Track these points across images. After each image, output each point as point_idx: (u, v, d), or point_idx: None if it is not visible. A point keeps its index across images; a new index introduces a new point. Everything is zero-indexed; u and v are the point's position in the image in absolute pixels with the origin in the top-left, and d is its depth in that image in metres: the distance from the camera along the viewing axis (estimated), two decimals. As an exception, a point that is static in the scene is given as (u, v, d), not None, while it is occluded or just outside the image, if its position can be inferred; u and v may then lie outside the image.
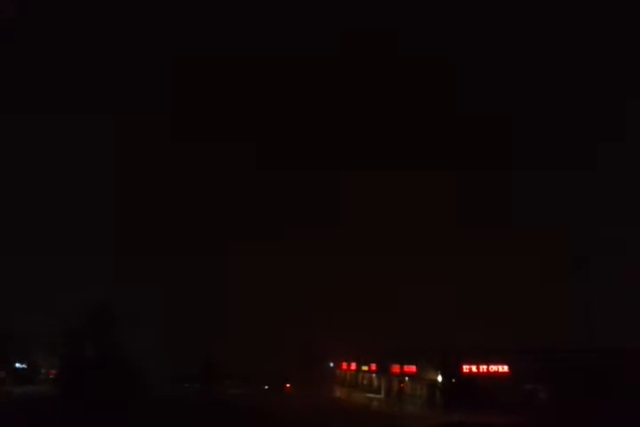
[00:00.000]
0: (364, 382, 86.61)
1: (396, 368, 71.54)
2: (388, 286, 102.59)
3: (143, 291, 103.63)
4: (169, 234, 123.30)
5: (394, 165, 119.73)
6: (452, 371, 58.41)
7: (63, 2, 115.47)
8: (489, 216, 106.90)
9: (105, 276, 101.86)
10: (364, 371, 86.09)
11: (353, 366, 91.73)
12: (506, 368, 57.70)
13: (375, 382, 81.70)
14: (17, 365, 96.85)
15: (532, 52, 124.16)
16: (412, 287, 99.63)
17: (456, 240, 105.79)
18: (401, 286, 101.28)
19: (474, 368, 57.86)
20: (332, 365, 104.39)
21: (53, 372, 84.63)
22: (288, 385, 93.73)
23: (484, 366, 57.71)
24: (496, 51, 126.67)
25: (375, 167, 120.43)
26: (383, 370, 76.73)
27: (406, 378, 69.51)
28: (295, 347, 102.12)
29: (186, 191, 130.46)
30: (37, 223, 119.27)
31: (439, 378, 59.49)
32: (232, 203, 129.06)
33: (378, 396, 77.46)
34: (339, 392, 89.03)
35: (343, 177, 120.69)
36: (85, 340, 61.93)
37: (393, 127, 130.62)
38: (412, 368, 66.92)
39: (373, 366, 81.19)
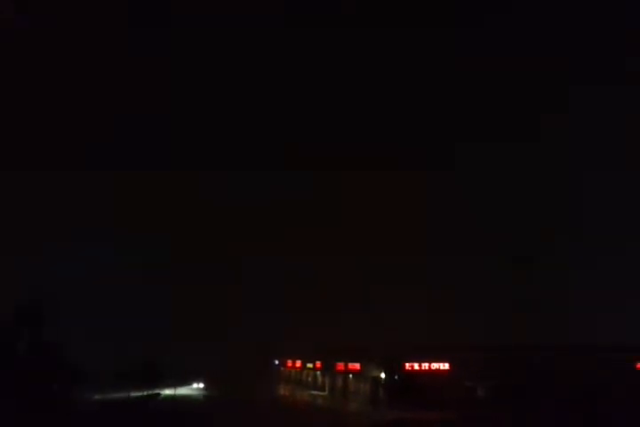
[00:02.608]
0: (309, 379, 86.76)
1: (340, 366, 71.94)
2: (372, 285, 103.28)
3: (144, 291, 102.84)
4: (168, 233, 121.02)
5: (394, 165, 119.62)
6: (394, 368, 59.06)
7: (63, 2, 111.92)
8: (489, 217, 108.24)
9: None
10: (309, 369, 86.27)
11: (298, 363, 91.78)
12: (447, 366, 58.63)
13: (320, 380, 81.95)
14: None
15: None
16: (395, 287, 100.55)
17: (456, 240, 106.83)
18: (380, 285, 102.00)
19: (416, 366, 58.61)
20: (277, 362, 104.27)
21: None
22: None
23: (426, 364, 58.49)
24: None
25: (375, 167, 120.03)
26: (328, 368, 77.05)
27: (350, 375, 69.92)
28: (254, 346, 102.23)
29: (185, 190, 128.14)
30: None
31: (382, 375, 60.09)
32: (231, 202, 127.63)
33: (322, 393, 77.76)
34: (283, 390, 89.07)
35: (343, 177, 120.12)
36: (18, 338, 59.89)
37: (393, 127, 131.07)
38: (356, 366, 67.41)
39: (318, 364, 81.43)
